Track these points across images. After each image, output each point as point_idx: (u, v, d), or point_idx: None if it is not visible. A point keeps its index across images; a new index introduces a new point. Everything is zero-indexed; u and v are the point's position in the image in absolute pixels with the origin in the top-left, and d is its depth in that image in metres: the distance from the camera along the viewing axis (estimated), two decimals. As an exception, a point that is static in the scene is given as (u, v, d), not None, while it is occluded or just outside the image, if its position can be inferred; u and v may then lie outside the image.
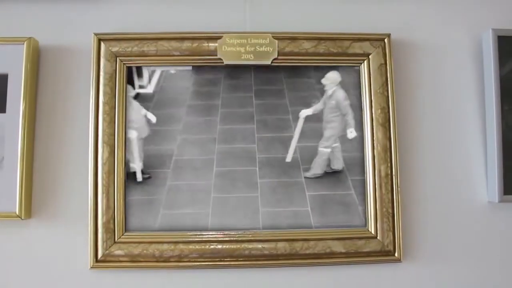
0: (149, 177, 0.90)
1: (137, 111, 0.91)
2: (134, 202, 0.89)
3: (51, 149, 0.92)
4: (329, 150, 0.92)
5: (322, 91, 0.95)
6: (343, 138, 0.93)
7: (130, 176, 0.89)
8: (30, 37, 0.91)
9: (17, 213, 0.87)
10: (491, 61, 0.96)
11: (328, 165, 0.92)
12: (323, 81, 0.94)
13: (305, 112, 0.93)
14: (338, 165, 0.92)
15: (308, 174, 0.91)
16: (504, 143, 0.94)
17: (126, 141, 0.90)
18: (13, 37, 0.91)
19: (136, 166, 0.90)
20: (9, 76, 0.91)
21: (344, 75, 0.95)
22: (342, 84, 0.94)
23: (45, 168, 0.91)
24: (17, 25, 0.94)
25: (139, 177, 0.90)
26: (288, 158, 0.92)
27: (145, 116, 0.91)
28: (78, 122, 0.92)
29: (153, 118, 0.91)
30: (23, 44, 0.91)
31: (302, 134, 0.92)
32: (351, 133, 0.93)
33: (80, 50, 0.94)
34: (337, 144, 0.92)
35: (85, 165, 0.89)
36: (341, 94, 0.94)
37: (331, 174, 0.92)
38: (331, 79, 0.95)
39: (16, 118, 0.89)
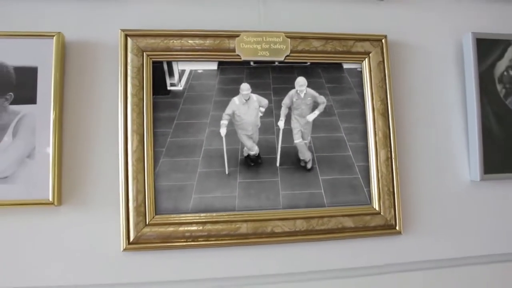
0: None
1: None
2: (164, 187, 0.95)
3: (80, 139, 0.96)
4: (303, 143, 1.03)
5: (330, 89, 1.06)
6: (350, 129, 1.05)
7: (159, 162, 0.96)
8: (58, 32, 0.95)
9: (50, 200, 0.91)
10: (470, 59, 1.11)
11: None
12: (297, 84, 1.04)
13: (281, 124, 1.02)
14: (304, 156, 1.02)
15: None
16: (483, 130, 1.10)
17: (154, 129, 0.97)
18: (42, 31, 0.94)
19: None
20: (38, 69, 0.94)
21: (349, 77, 1.06)
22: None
23: (74, 157, 0.95)
24: (44, 20, 0.97)
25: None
26: (277, 163, 1.01)
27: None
28: (105, 112, 0.97)
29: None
30: (52, 38, 0.94)
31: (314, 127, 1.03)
32: (315, 114, 1.04)
33: (105, 44, 0.99)
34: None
35: (112, 152, 0.95)
36: (312, 91, 1.05)
37: (339, 161, 1.03)
38: (302, 82, 1.05)
39: (47, 109, 0.93)
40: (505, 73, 1.13)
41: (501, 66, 1.13)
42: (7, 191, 0.91)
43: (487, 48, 1.12)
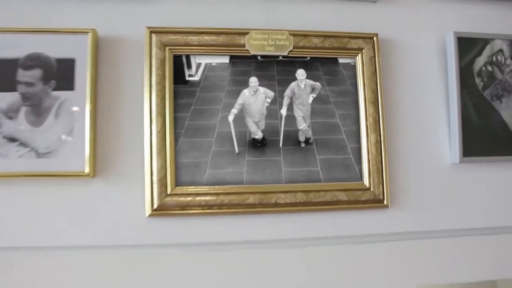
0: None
1: (182, 91, 1.14)
2: (183, 163, 1.11)
3: (111, 120, 1.11)
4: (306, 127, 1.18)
5: (327, 81, 1.21)
6: (344, 115, 1.20)
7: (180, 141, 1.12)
8: (93, 29, 1.11)
9: (86, 172, 1.07)
10: (452, 56, 1.25)
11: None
12: (299, 77, 1.19)
13: (284, 112, 1.17)
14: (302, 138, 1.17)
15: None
16: (463, 118, 1.24)
17: (175, 114, 1.12)
18: (80, 28, 1.10)
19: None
20: (76, 61, 1.09)
21: (344, 70, 1.22)
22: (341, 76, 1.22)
23: (107, 136, 1.11)
24: (81, 19, 1.13)
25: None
26: (280, 144, 1.16)
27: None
28: (133, 98, 1.12)
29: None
30: (87, 34, 1.10)
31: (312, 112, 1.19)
32: (313, 96, 1.19)
33: (133, 40, 1.14)
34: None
35: (139, 132, 1.10)
36: (310, 81, 1.20)
37: (334, 143, 1.18)
38: (302, 73, 1.19)
39: (83, 94, 1.08)
40: (483, 68, 1.28)
41: (479, 62, 1.28)
42: (50, 164, 1.06)
43: (467, 45, 1.27)
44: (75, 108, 1.08)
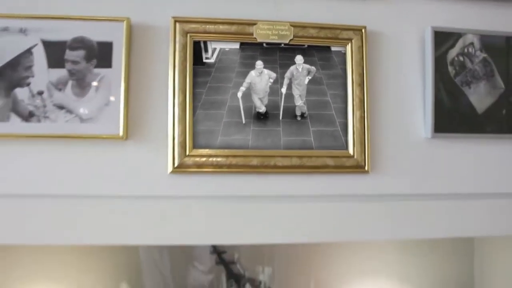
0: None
1: (200, 71, 1.37)
2: (199, 130, 1.35)
3: (143, 93, 1.34)
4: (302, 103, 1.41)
5: (321, 65, 1.43)
6: (334, 95, 1.43)
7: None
8: (127, 17, 1.34)
9: (120, 135, 1.31)
10: (429, 47, 1.46)
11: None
12: (297, 61, 1.41)
13: (284, 90, 1.40)
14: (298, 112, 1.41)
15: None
16: (436, 100, 1.44)
17: (193, 89, 1.35)
18: (116, 17, 1.32)
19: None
20: (113, 43, 1.32)
21: (335, 57, 1.44)
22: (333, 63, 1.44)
23: (137, 106, 1.33)
24: (117, 7, 1.35)
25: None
26: (280, 117, 1.40)
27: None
28: (159, 75, 1.34)
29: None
30: (123, 22, 1.33)
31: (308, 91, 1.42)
32: (309, 78, 1.42)
33: (160, 27, 1.35)
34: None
35: (164, 104, 1.33)
36: (306, 65, 1.42)
37: (325, 118, 1.41)
38: (300, 59, 1.42)
39: (118, 72, 1.31)
40: (455, 58, 1.49)
41: (453, 53, 1.49)
42: (91, 128, 1.30)
43: (443, 38, 1.48)
44: (112, 83, 1.32)
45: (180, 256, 1.99)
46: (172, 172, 1.32)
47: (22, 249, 2.02)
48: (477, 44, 1.51)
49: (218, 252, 1.95)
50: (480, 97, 1.50)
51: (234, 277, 1.92)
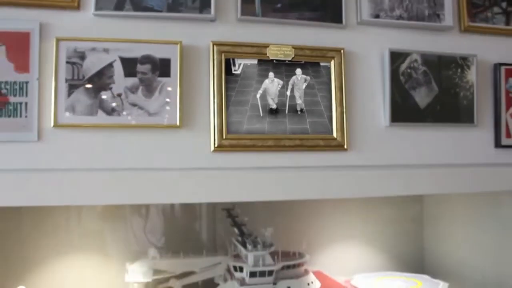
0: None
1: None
2: (231, 121, 1.92)
3: (191, 96, 1.90)
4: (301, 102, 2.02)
5: (313, 75, 2.04)
6: (323, 96, 2.04)
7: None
8: (180, 40, 1.89)
9: (177, 124, 1.86)
10: (387, 63, 2.10)
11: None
12: (297, 72, 2.03)
13: (288, 93, 2.01)
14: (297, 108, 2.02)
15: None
16: (392, 100, 2.08)
17: (226, 92, 1.93)
18: (172, 40, 1.86)
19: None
20: (171, 60, 1.87)
21: (323, 70, 2.06)
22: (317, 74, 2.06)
23: (189, 104, 1.88)
24: (173, 33, 1.91)
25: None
26: (286, 111, 2.00)
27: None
28: (202, 83, 1.89)
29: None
30: (178, 44, 1.88)
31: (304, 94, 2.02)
32: (305, 84, 2.03)
33: (202, 48, 1.91)
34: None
35: (206, 103, 1.90)
36: (303, 75, 2.01)
37: (317, 112, 2.02)
38: (299, 71, 2.03)
39: (175, 80, 1.84)
40: (405, 70, 2.13)
41: (403, 67, 2.12)
42: (156, 120, 1.84)
43: (396, 57, 2.12)
44: (170, 88, 1.88)
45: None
46: (214, 151, 1.89)
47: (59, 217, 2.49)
48: (419, 60, 2.16)
49: (232, 216, 2.53)
50: (422, 97, 2.15)
51: (245, 235, 2.52)
